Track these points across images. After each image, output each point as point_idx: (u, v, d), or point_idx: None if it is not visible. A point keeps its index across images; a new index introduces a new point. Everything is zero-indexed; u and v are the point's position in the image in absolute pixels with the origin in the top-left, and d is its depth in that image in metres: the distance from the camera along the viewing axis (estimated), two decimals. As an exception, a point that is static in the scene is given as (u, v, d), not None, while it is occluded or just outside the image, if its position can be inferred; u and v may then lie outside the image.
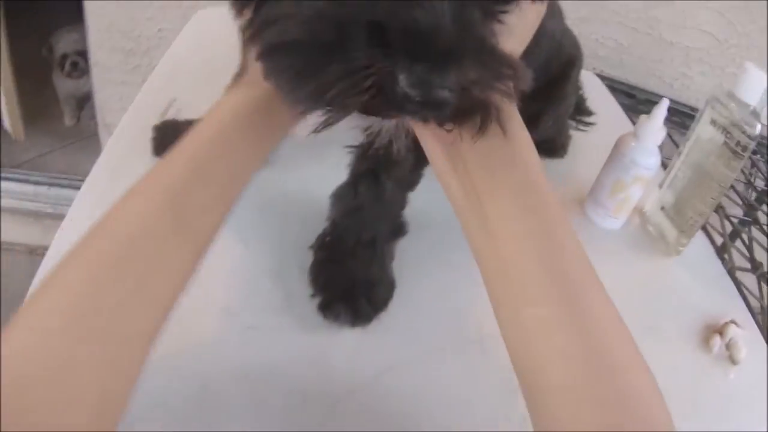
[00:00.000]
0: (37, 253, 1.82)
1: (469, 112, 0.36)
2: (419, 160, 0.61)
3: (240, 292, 0.60)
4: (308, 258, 0.63)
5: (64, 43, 1.94)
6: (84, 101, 2.14)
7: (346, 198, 0.60)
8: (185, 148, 0.44)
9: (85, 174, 1.97)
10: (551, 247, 0.42)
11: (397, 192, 0.64)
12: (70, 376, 0.35)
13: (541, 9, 0.47)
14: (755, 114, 0.75)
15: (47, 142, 2.08)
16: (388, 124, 0.41)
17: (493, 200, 0.43)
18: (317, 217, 0.64)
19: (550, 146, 0.94)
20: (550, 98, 0.84)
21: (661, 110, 0.76)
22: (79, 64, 1.95)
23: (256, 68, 0.43)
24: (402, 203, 0.66)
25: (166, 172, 0.42)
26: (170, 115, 0.83)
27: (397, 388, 0.55)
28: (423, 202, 0.66)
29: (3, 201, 1.81)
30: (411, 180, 0.64)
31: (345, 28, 0.32)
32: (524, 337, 0.41)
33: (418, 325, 0.62)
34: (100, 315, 0.37)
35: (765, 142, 1.45)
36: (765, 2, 1.40)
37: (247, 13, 0.39)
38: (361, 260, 0.61)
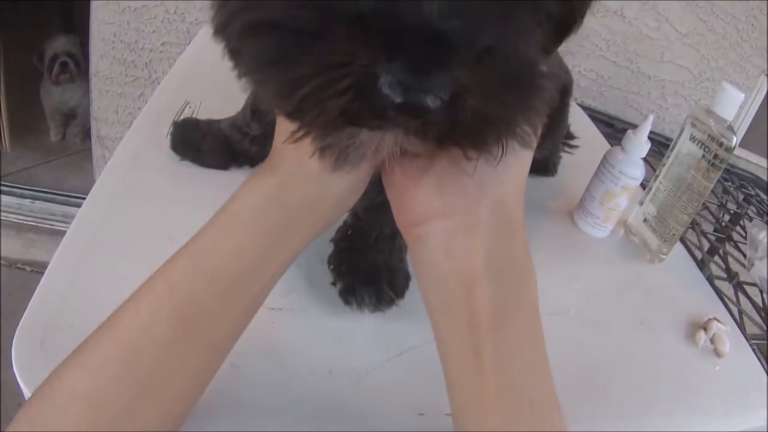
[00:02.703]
0: (16, 266, 1.80)
1: (467, 128, 0.31)
2: None
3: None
4: (327, 249, 0.65)
5: (55, 45, 1.96)
6: (70, 118, 2.15)
7: (370, 193, 0.61)
8: (190, 249, 0.41)
9: (70, 190, 1.96)
10: (532, 376, 0.42)
11: None
12: None
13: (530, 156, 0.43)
14: (731, 129, 0.81)
15: (32, 157, 2.08)
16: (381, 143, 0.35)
17: (496, 335, 0.40)
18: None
19: (545, 165, 1.00)
20: (550, 124, 0.89)
21: (647, 124, 0.82)
22: (68, 65, 1.97)
23: (277, 151, 0.43)
24: None
25: (170, 273, 0.41)
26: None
27: (418, 367, 0.58)
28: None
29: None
30: None
31: (330, 16, 0.28)
32: None
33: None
34: (108, 422, 0.37)
35: (736, 171, 1.54)
36: (737, 39, 1.49)
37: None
38: (382, 252, 0.63)
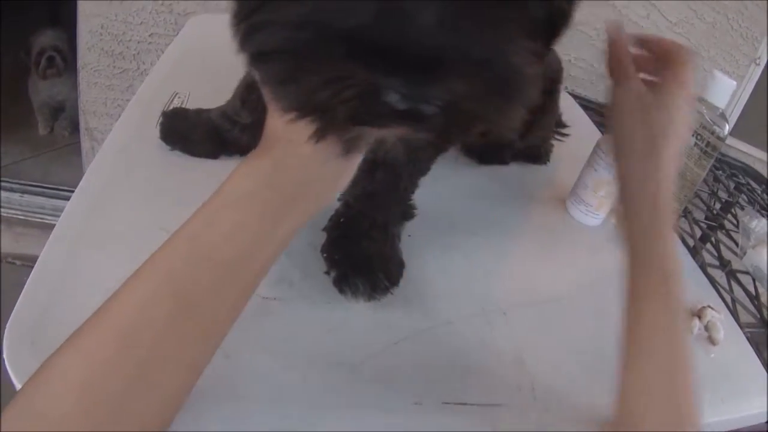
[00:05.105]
0: (7, 260, 1.79)
1: (463, 126, 0.35)
2: (437, 151, 0.65)
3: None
4: (320, 237, 0.65)
5: (42, 40, 1.96)
6: (58, 111, 2.14)
7: (362, 182, 0.61)
8: (186, 232, 0.42)
9: (59, 183, 1.95)
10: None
11: (411, 179, 0.66)
12: None
13: None
14: (723, 116, 0.81)
15: (21, 151, 2.07)
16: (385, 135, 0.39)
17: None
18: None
19: (536, 153, 1.00)
20: (540, 110, 0.89)
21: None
22: (55, 59, 1.97)
23: (270, 135, 0.45)
24: (413, 188, 0.68)
25: (167, 255, 0.41)
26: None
27: (412, 357, 0.58)
28: (426, 187, 0.70)
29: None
30: (426, 168, 0.67)
31: (326, 37, 0.31)
32: None
33: (425, 300, 0.64)
34: (104, 407, 0.37)
35: (727, 160, 1.54)
36: (727, 27, 1.49)
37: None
38: (375, 240, 0.62)
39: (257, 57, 0.35)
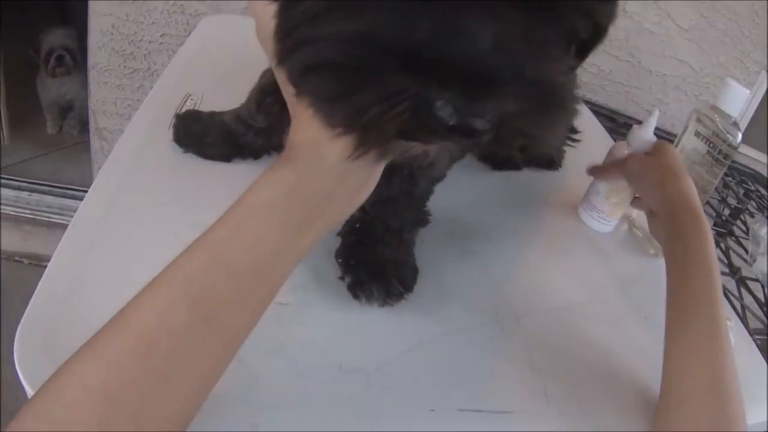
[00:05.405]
0: (14, 259, 1.80)
1: (507, 141, 0.36)
2: (453, 159, 0.65)
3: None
4: (334, 242, 0.65)
5: (51, 38, 1.96)
6: (67, 110, 2.14)
7: (378, 188, 0.61)
8: (207, 240, 0.42)
9: (67, 182, 1.95)
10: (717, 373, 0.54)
11: (427, 185, 0.67)
12: None
13: None
14: (736, 125, 0.81)
15: (29, 149, 2.07)
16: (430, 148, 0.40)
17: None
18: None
19: (549, 159, 1.00)
20: None
21: (652, 120, 0.82)
22: (64, 58, 1.97)
23: (293, 145, 0.45)
24: (429, 195, 0.69)
25: (187, 263, 0.41)
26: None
27: (426, 363, 0.58)
28: (439, 192, 0.70)
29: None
30: (442, 174, 0.67)
31: (381, 53, 0.32)
32: None
33: (439, 306, 0.65)
34: (120, 414, 0.37)
35: (737, 166, 1.54)
36: (738, 35, 1.49)
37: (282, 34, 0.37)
38: (389, 246, 0.63)
39: (304, 72, 0.35)
